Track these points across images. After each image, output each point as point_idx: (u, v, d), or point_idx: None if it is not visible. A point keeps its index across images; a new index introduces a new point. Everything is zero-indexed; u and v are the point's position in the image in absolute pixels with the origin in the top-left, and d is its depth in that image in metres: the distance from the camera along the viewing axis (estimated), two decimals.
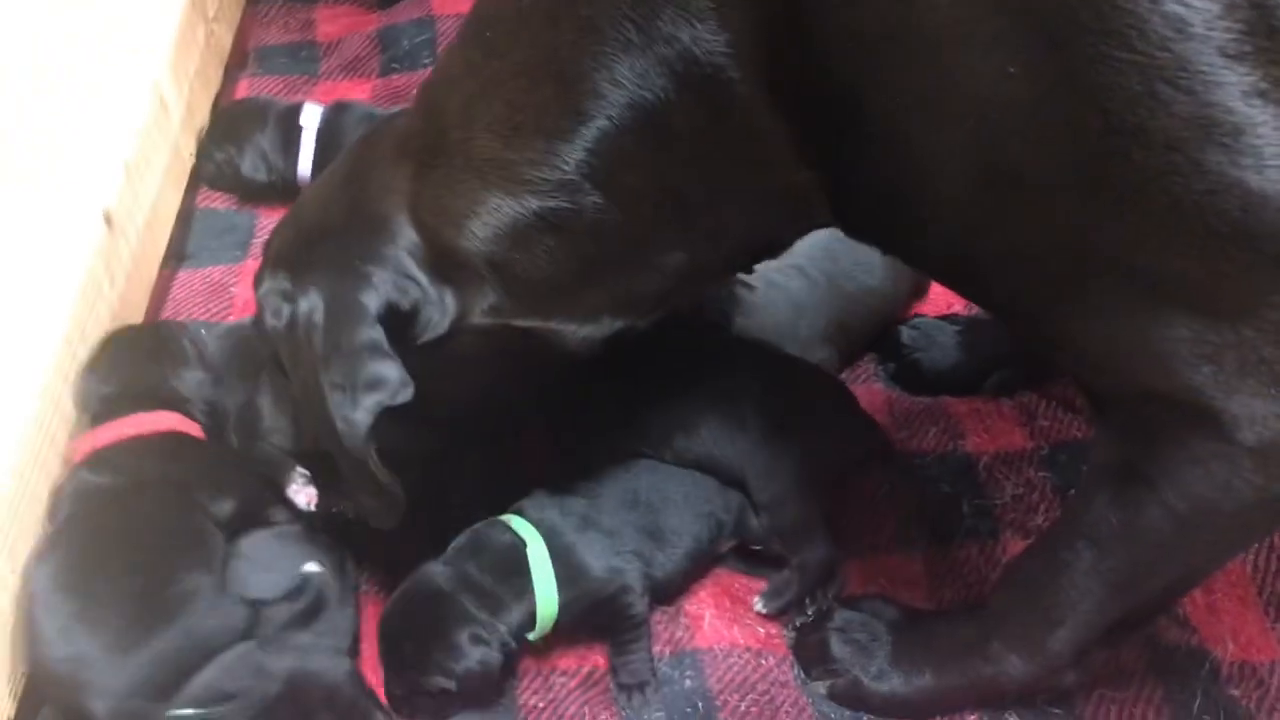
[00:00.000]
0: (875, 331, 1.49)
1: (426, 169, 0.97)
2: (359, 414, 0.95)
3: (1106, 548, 0.94)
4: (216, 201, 1.72)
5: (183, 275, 1.62)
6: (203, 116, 1.86)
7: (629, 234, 0.95)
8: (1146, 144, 0.71)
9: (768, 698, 1.13)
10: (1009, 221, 0.81)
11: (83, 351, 1.32)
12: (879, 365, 1.50)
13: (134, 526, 1.13)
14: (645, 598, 1.17)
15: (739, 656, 1.17)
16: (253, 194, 1.72)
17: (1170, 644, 1.17)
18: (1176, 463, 0.85)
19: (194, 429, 1.25)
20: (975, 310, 1.54)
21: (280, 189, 1.69)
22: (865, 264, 1.45)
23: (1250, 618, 1.20)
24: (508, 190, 0.93)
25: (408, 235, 0.97)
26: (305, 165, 1.67)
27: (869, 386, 1.47)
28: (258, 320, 1.06)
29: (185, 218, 1.70)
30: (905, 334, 1.48)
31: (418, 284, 0.97)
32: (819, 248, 1.41)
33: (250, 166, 1.69)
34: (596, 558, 1.15)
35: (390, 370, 0.96)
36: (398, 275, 0.97)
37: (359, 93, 1.89)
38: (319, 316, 0.97)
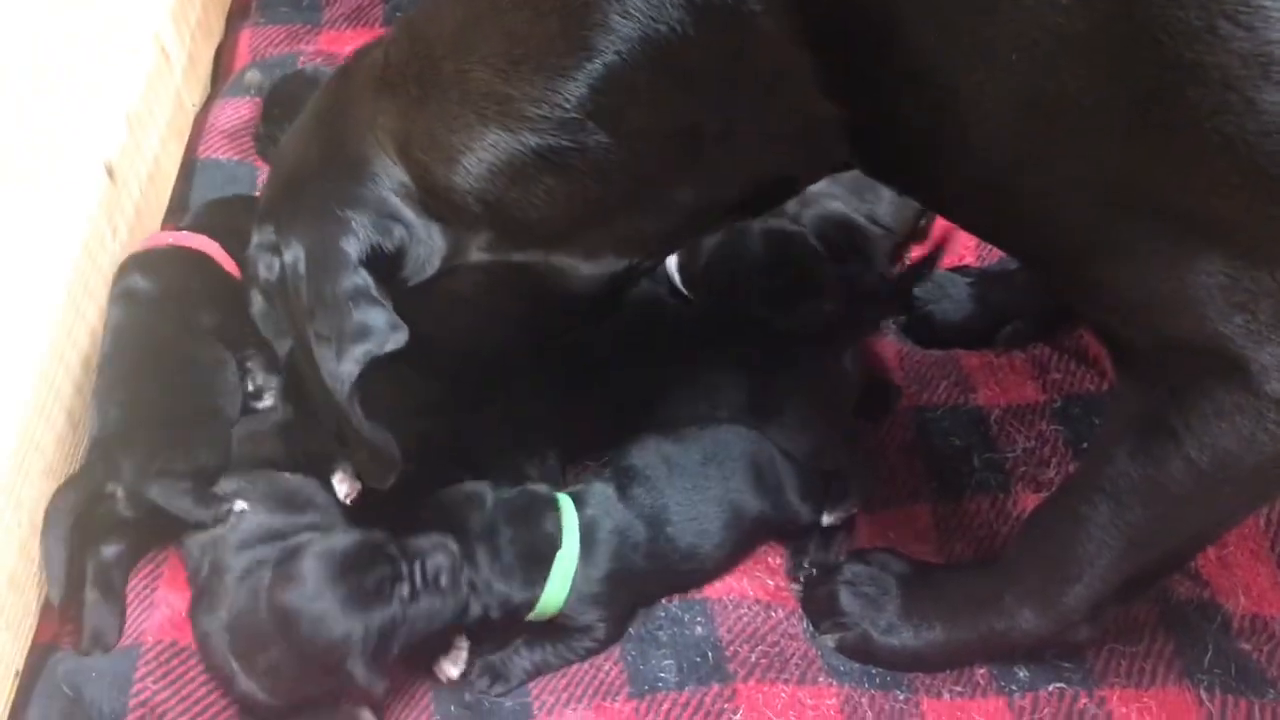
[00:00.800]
0: None
1: (416, 103, 0.92)
2: (345, 365, 0.91)
3: (1126, 502, 0.93)
4: (219, 152, 1.70)
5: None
6: (205, 67, 1.84)
7: (635, 173, 0.91)
8: (1203, 80, 0.69)
9: (777, 649, 1.13)
10: (1050, 159, 0.78)
11: (86, 304, 1.31)
12: (891, 318, 1.49)
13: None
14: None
15: (748, 608, 1.17)
16: None
17: (1182, 598, 1.17)
18: (1201, 415, 0.83)
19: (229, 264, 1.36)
20: (987, 262, 1.53)
21: None
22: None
23: (1262, 571, 1.19)
24: (506, 127, 0.88)
25: (392, 173, 0.93)
26: None
27: (880, 340, 1.46)
28: (249, 277, 1.03)
29: (188, 170, 1.68)
30: (918, 287, 1.46)
31: (404, 223, 0.93)
32: None
33: None
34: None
35: (377, 317, 0.91)
36: (380, 216, 0.92)
37: (362, 42, 1.85)
38: (302, 267, 0.93)
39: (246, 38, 1.90)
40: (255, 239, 1.00)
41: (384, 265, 0.93)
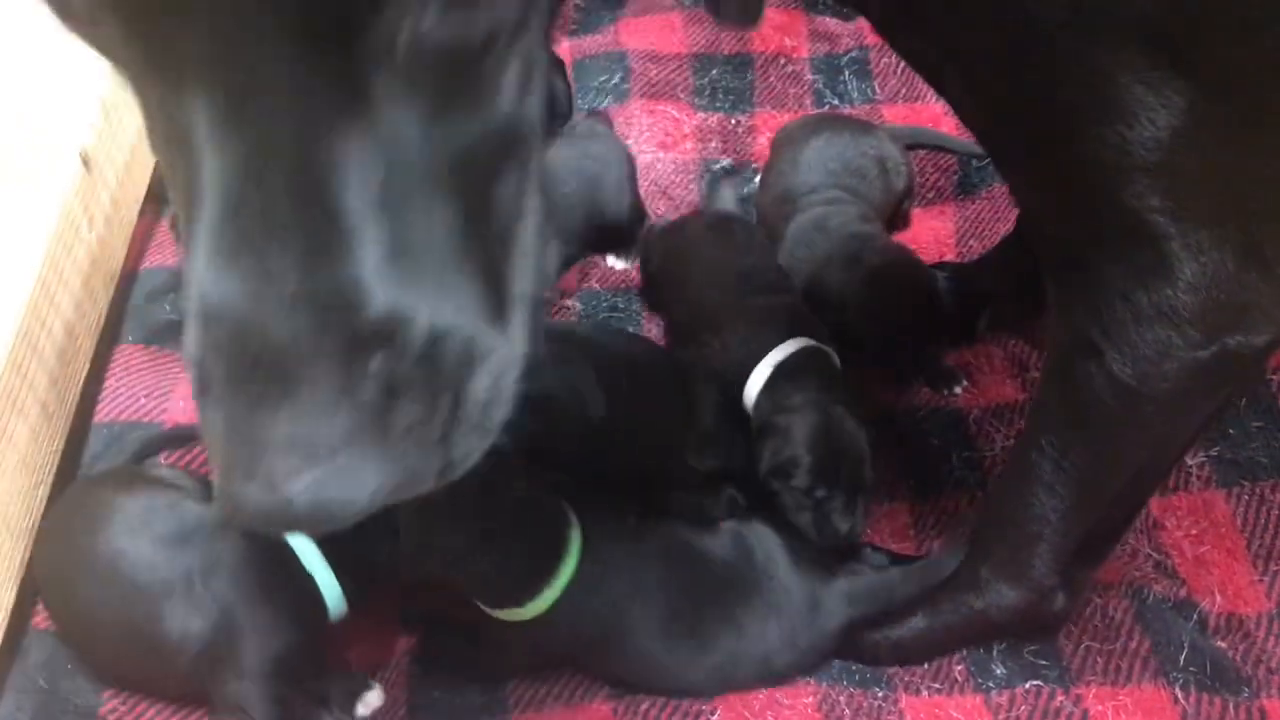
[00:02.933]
0: None
1: None
2: None
3: (1065, 439, 0.94)
4: None
5: (166, 220, 1.59)
6: None
7: None
8: None
9: None
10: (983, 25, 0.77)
11: (60, 295, 1.29)
12: None
13: None
14: None
15: None
16: None
17: (1158, 596, 1.17)
18: (1120, 322, 0.84)
19: None
20: (967, 258, 1.53)
21: None
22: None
23: (1238, 570, 1.20)
24: None
25: None
26: None
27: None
28: None
29: None
30: None
31: None
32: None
33: None
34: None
35: None
36: None
37: None
38: None
39: None
40: None
41: None
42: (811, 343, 1.23)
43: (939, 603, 1.11)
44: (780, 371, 1.20)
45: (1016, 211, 1.57)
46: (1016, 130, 0.83)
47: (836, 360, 1.24)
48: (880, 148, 1.53)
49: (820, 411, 1.15)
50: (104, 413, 1.31)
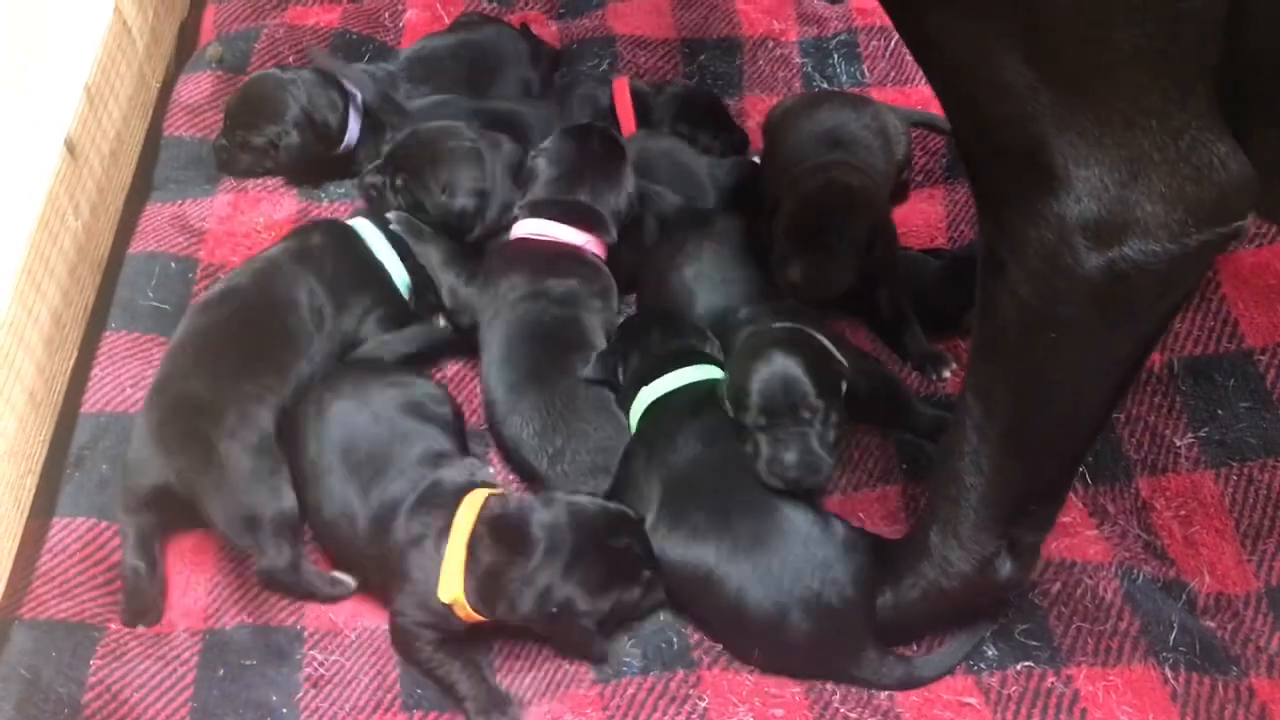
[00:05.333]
0: None
1: None
2: None
3: (984, 376, 0.97)
4: (181, 129, 1.68)
5: (150, 208, 1.58)
6: (168, 42, 1.80)
7: None
8: None
9: None
10: None
11: (47, 284, 1.28)
12: None
13: None
14: None
15: None
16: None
17: (1147, 577, 1.18)
18: (1020, 236, 0.86)
19: None
20: (959, 245, 1.53)
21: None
22: None
23: (1227, 550, 1.20)
24: None
25: None
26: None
27: (852, 324, 1.45)
28: None
29: (152, 146, 1.65)
30: None
31: None
32: None
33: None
34: None
35: None
36: None
37: (328, 18, 1.83)
38: None
39: (211, 13, 1.87)
40: None
41: None
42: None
43: (901, 576, 1.11)
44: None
45: None
46: (936, 60, 0.87)
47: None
48: (880, 118, 1.54)
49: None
50: (91, 403, 1.31)
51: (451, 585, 1.08)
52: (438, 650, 1.11)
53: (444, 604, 1.09)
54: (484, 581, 1.08)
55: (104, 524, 1.21)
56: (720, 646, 1.12)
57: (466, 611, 1.09)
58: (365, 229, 1.43)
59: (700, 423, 1.20)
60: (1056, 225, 0.83)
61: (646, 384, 1.25)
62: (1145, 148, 0.79)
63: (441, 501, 1.13)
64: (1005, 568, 1.07)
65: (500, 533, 1.09)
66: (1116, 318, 0.87)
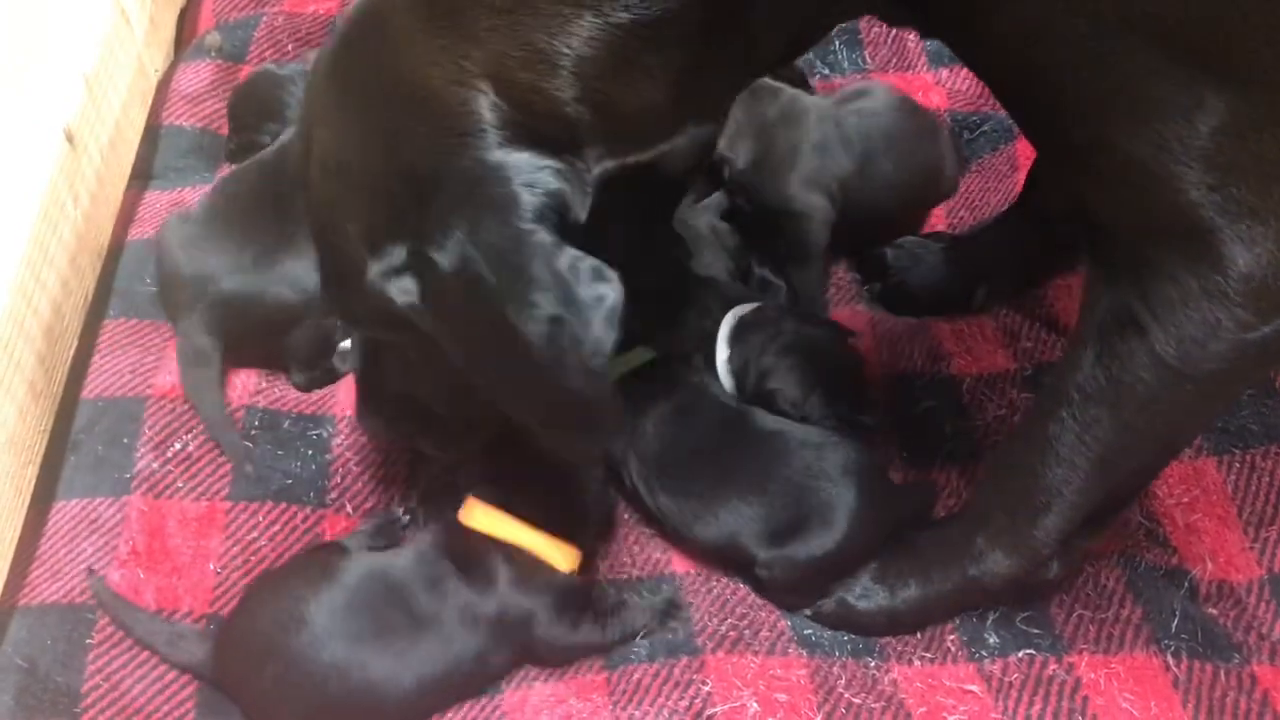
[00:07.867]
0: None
1: (499, 18, 0.80)
2: (597, 332, 0.82)
3: (1092, 414, 0.94)
4: (181, 118, 1.67)
5: (149, 196, 1.57)
6: (168, 32, 1.80)
7: (710, 31, 0.83)
8: None
9: (746, 621, 1.13)
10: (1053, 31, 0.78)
11: (47, 274, 1.28)
12: (863, 287, 1.48)
13: None
14: None
15: (717, 580, 1.17)
16: None
17: (1149, 564, 1.18)
18: (1168, 302, 0.84)
19: None
20: (959, 228, 1.52)
21: None
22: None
23: (1229, 537, 1.20)
24: (598, 11, 0.78)
25: (499, 112, 0.80)
26: None
27: (853, 309, 1.45)
28: (370, 320, 0.93)
29: (151, 136, 1.65)
30: (890, 255, 1.46)
31: (546, 165, 0.82)
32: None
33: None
34: None
35: (598, 270, 0.82)
36: (528, 169, 0.81)
37: (328, 6, 1.82)
38: (479, 267, 0.81)
39: (210, 1, 1.85)
40: (374, 270, 0.87)
41: (555, 217, 0.82)
42: None
43: (931, 570, 1.11)
44: None
45: (1008, 182, 1.57)
46: (1063, 125, 0.84)
47: None
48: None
49: None
50: (91, 389, 1.31)
51: None
52: None
53: None
54: None
55: (97, 500, 1.19)
56: (724, 632, 1.12)
57: None
58: None
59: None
60: (1221, 300, 0.82)
61: None
62: None
63: None
64: (1054, 569, 1.08)
65: None
66: (1264, 368, 0.88)
